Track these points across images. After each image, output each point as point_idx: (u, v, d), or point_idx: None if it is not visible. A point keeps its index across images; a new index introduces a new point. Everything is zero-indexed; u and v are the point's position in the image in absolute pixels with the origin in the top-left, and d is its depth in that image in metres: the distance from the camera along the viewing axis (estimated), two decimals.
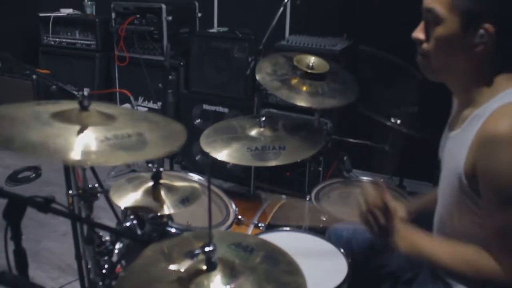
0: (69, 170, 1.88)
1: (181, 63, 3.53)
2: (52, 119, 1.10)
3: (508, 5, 1.16)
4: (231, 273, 1.12)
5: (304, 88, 2.08)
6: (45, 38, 4.19)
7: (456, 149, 1.24)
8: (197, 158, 3.48)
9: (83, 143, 1.03)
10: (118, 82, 3.87)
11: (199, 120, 3.47)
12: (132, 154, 1.04)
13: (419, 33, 1.26)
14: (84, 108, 1.13)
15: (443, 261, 1.24)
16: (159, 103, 3.76)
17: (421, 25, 1.26)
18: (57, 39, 4.16)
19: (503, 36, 1.16)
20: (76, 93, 1.94)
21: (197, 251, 1.06)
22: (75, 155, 1.00)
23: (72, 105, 1.20)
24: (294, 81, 2.12)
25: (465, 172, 1.19)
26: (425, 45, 1.25)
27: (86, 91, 1.14)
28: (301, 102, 2.05)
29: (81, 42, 4.07)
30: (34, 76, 4.33)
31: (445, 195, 1.32)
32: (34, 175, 3.64)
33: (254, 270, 1.15)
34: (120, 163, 1.05)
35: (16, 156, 4.02)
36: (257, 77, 2.15)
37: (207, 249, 1.06)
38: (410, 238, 1.29)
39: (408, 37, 1.31)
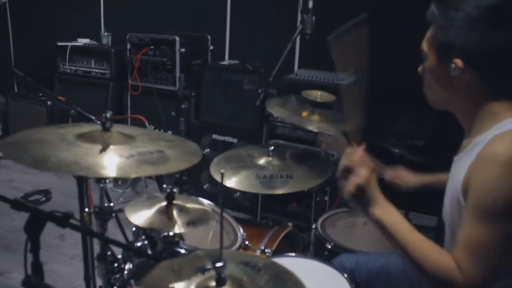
0: (83, 190, 1.94)
1: (193, 94, 3.63)
2: (77, 140, 1.18)
3: (473, 40, 1.23)
4: None
5: (315, 117, 2.17)
6: (61, 66, 4.32)
7: (457, 170, 1.30)
8: (205, 187, 3.54)
9: (112, 159, 1.10)
10: (130, 110, 3.97)
11: (208, 149, 3.54)
12: (156, 168, 1.11)
13: (420, 68, 1.40)
14: (106, 129, 1.20)
15: (409, 248, 1.24)
16: (170, 132, 3.84)
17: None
18: (73, 67, 4.29)
19: (475, 68, 1.25)
20: (93, 118, 2.03)
21: (208, 266, 1.11)
22: (107, 170, 1.07)
23: (92, 127, 1.29)
24: (305, 113, 2.21)
25: (462, 190, 1.25)
26: (425, 78, 1.39)
27: (108, 114, 1.21)
28: (312, 127, 2.13)
29: (96, 70, 4.20)
30: (49, 103, 4.46)
31: (448, 215, 1.36)
32: (44, 198, 3.70)
33: None
34: (146, 175, 1.13)
35: (26, 179, 4.10)
36: (269, 109, 2.24)
37: (217, 264, 1.10)
38: (386, 211, 1.29)
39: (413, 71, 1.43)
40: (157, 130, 3.79)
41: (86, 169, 1.06)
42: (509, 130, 1.21)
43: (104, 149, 1.11)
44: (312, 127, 2.15)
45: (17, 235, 3.18)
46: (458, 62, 1.25)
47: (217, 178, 1.92)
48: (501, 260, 1.18)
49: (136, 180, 3.95)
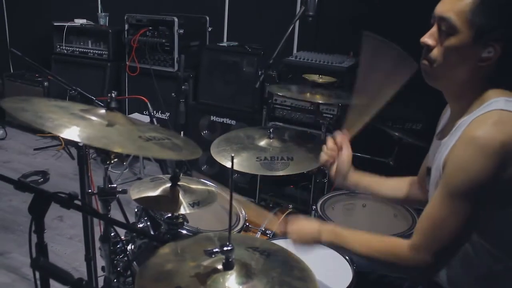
0: (84, 171, 1.94)
1: (191, 75, 3.61)
2: (84, 114, 1.17)
3: None
4: (246, 274, 1.17)
5: (317, 96, 2.18)
6: (58, 46, 4.28)
7: (441, 154, 1.30)
8: (203, 169, 3.54)
9: (134, 139, 1.11)
10: (128, 91, 3.95)
11: (206, 131, 3.54)
12: (176, 153, 1.13)
13: (428, 39, 1.28)
14: (111, 109, 1.19)
15: (364, 250, 1.34)
16: (168, 113, 3.83)
17: (431, 32, 1.28)
18: (70, 48, 4.25)
19: (506, 56, 1.22)
20: (93, 98, 2.02)
21: (216, 250, 1.11)
22: (135, 148, 1.08)
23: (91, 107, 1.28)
24: (308, 95, 2.21)
25: (442, 168, 1.26)
26: (433, 52, 1.28)
27: (114, 93, 1.20)
28: (315, 100, 2.17)
29: (93, 51, 4.16)
30: (45, 83, 4.42)
31: (432, 193, 1.35)
32: (42, 179, 3.69)
33: (268, 274, 1.20)
34: (171, 158, 1.16)
35: (24, 160, 4.09)
36: (271, 92, 2.25)
37: (225, 248, 1.11)
38: (332, 232, 1.39)
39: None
40: (154, 112, 3.78)
41: (113, 144, 1.06)
42: (491, 110, 1.20)
43: (111, 125, 1.10)
44: (317, 101, 2.19)
45: (15, 216, 3.19)
46: (497, 46, 1.20)
47: (218, 159, 1.92)
48: (456, 242, 1.21)
49: (134, 161, 3.95)
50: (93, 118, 1.16)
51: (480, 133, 1.15)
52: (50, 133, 4.38)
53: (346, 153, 1.66)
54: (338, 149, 1.66)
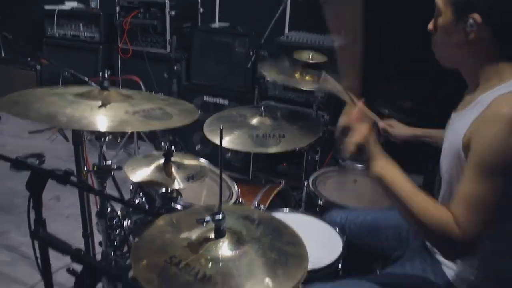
0: (79, 150, 1.98)
1: (183, 56, 3.63)
2: (77, 98, 1.21)
3: None
4: (238, 241, 1.22)
5: (306, 78, 2.20)
6: (49, 30, 4.26)
7: (458, 126, 1.33)
8: (197, 148, 3.58)
9: (118, 115, 1.14)
10: (120, 73, 3.96)
11: (199, 111, 3.57)
12: (163, 123, 1.16)
13: (430, 25, 1.40)
14: (104, 88, 1.23)
15: (408, 203, 1.26)
16: (161, 94, 3.85)
17: (434, 18, 1.39)
18: (61, 31, 4.24)
19: (492, 25, 1.26)
20: (87, 79, 2.05)
21: (207, 218, 1.16)
22: (117, 125, 1.11)
23: (87, 89, 1.32)
24: (297, 74, 2.24)
25: (463, 147, 1.29)
26: (434, 36, 1.39)
27: (106, 73, 1.24)
28: (304, 87, 2.17)
29: (85, 34, 4.16)
30: (38, 67, 4.42)
31: (445, 170, 1.41)
32: (37, 162, 3.71)
33: (259, 240, 1.25)
34: (156, 128, 1.18)
35: (19, 143, 4.12)
36: (262, 72, 2.27)
37: (217, 217, 1.16)
38: (386, 168, 1.32)
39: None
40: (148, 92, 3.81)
41: (100, 125, 1.10)
42: None
43: (104, 105, 1.14)
44: (306, 87, 2.18)
45: (12, 197, 3.23)
46: (476, 17, 1.25)
47: (211, 138, 1.96)
48: (495, 215, 1.21)
49: (129, 141, 3.98)
50: (87, 99, 1.19)
51: (505, 111, 1.20)
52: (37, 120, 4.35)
53: (395, 129, 1.93)
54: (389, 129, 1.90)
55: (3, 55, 5.16)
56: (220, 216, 1.17)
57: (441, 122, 1.59)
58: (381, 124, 1.97)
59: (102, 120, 1.15)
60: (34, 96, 1.27)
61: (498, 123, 1.19)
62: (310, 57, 2.28)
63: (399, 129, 1.96)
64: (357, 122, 1.35)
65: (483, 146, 1.22)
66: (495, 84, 1.29)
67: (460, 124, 1.33)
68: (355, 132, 1.33)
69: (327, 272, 1.61)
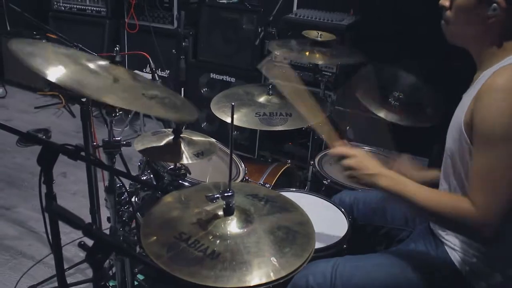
0: (87, 127, 1.98)
1: (191, 33, 3.60)
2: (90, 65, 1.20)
3: None
4: (246, 219, 1.24)
5: (317, 56, 2.19)
6: (55, 3, 4.23)
7: (463, 104, 1.35)
8: (203, 126, 3.58)
9: (140, 97, 1.14)
10: (127, 49, 3.94)
11: (205, 88, 3.56)
12: (176, 113, 1.16)
13: (444, 1, 1.38)
14: (115, 63, 1.23)
15: (424, 204, 1.28)
16: (167, 71, 3.84)
17: None
18: (68, 5, 4.20)
19: None
20: (95, 54, 2.03)
21: (217, 195, 1.17)
22: (139, 105, 1.10)
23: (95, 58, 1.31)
24: (307, 53, 2.23)
25: (465, 123, 1.30)
26: (448, 12, 1.37)
27: (117, 47, 1.23)
28: (313, 60, 2.15)
29: (92, 8, 4.12)
30: (43, 41, 4.40)
31: (449, 144, 1.42)
32: (44, 137, 3.74)
33: (267, 218, 1.28)
34: (169, 117, 1.18)
35: (25, 118, 4.13)
36: (271, 51, 2.25)
37: (226, 194, 1.17)
38: (390, 179, 1.35)
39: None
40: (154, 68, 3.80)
41: (120, 100, 1.09)
42: (510, 64, 1.25)
43: (116, 80, 1.13)
44: (312, 60, 2.19)
45: (19, 172, 3.26)
46: (501, 2, 1.26)
47: (219, 115, 1.97)
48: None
49: (134, 119, 3.99)
50: (100, 72, 1.19)
51: (502, 80, 1.21)
52: (51, 91, 4.32)
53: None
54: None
55: (8, 28, 5.13)
56: (229, 194, 1.18)
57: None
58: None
59: (127, 97, 1.14)
60: (49, 53, 1.24)
61: (493, 93, 1.21)
62: (319, 35, 2.26)
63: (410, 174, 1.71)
64: (345, 149, 1.41)
65: (484, 118, 1.22)
66: (498, 60, 1.30)
67: (464, 101, 1.35)
68: (347, 157, 1.39)
69: (333, 252, 1.62)
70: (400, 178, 1.36)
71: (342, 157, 1.41)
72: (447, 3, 1.37)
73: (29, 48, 1.19)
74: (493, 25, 1.29)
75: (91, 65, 1.21)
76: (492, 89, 1.22)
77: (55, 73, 1.11)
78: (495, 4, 1.26)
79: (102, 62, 1.25)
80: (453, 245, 1.45)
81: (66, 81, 1.09)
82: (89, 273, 2.34)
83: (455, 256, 1.43)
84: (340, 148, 1.44)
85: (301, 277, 1.47)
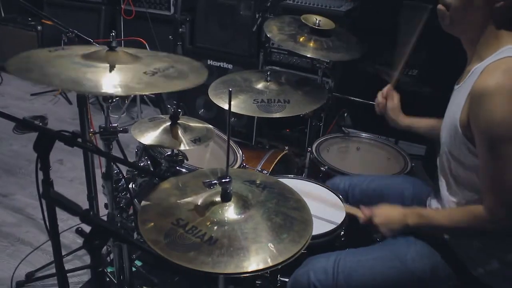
0: (84, 114, 1.97)
1: (187, 19, 3.56)
2: (87, 61, 1.19)
3: None
4: (244, 205, 1.24)
5: (311, 44, 2.16)
6: None
7: (457, 100, 1.35)
8: (200, 113, 3.57)
9: (139, 77, 1.13)
10: (123, 35, 3.90)
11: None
12: (184, 82, 1.15)
13: None
14: (112, 48, 1.21)
15: (451, 228, 1.40)
16: None
17: None
18: None
19: None
20: (91, 40, 2.02)
21: (214, 181, 1.17)
22: (143, 87, 1.10)
23: (90, 49, 1.29)
24: (302, 38, 2.20)
25: (460, 121, 1.30)
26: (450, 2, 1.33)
27: (113, 32, 1.22)
28: (308, 53, 2.13)
29: None
30: (39, 27, 4.36)
31: (445, 140, 1.43)
32: (40, 124, 3.72)
33: (264, 204, 1.27)
34: (181, 88, 1.17)
35: (21, 106, 4.11)
36: (266, 32, 2.23)
37: (224, 180, 1.17)
38: (415, 220, 1.45)
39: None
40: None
41: (120, 87, 1.08)
42: (503, 58, 1.25)
43: (112, 68, 1.13)
44: (308, 54, 2.14)
45: (16, 160, 3.25)
46: None
47: (216, 101, 1.96)
48: None
49: (131, 105, 3.97)
50: (97, 63, 1.17)
51: (491, 84, 1.21)
52: (43, 84, 4.28)
53: (392, 102, 1.87)
54: (386, 100, 1.89)
55: (2, 14, 5.08)
56: (227, 180, 1.18)
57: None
58: (388, 87, 1.92)
59: (126, 82, 1.14)
60: (45, 60, 1.24)
61: (486, 98, 1.21)
62: (318, 23, 2.23)
63: (395, 109, 1.89)
64: (369, 217, 1.53)
65: (487, 125, 1.23)
66: (491, 52, 1.29)
67: (458, 98, 1.35)
68: (373, 221, 1.51)
69: (330, 238, 1.63)
70: (420, 211, 1.49)
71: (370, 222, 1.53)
72: None
73: (24, 64, 1.19)
74: (499, 10, 1.28)
75: (87, 60, 1.20)
76: (487, 93, 1.22)
77: (54, 80, 1.10)
78: None
79: (99, 50, 1.24)
80: None
81: (65, 85, 1.09)
82: (87, 259, 2.35)
83: (450, 240, 1.45)
84: (363, 217, 1.56)
85: (302, 274, 1.48)
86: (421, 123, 1.83)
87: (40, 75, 1.13)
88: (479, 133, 1.26)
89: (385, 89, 1.92)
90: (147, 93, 1.01)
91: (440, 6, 1.37)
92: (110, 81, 1.14)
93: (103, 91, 1.08)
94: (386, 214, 1.50)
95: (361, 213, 1.57)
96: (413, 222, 1.44)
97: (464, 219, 1.35)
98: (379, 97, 1.92)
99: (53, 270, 2.25)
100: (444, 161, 1.46)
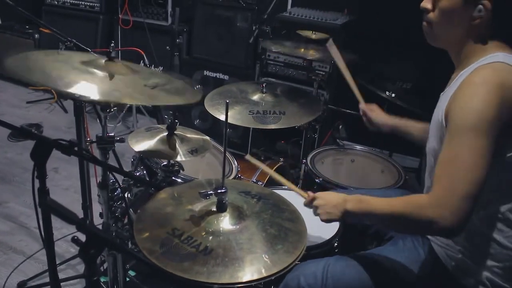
0: (81, 123, 1.98)
1: (185, 29, 3.60)
2: (85, 67, 1.20)
3: None
4: (239, 216, 1.25)
5: (310, 52, 2.20)
6: None
7: (442, 103, 1.37)
8: (195, 123, 3.59)
9: (140, 89, 1.14)
10: (120, 45, 3.92)
11: (199, 85, 3.56)
12: (181, 97, 1.16)
13: (427, 3, 1.39)
14: (111, 59, 1.23)
15: (385, 209, 1.32)
16: (161, 68, 3.82)
17: None
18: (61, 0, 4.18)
19: (498, 10, 1.28)
20: (89, 50, 2.03)
21: (210, 192, 1.18)
22: (145, 98, 1.12)
23: (88, 58, 1.31)
24: (301, 50, 2.24)
25: (444, 117, 1.32)
26: (430, 14, 1.38)
27: (112, 43, 1.24)
28: (308, 56, 2.23)
29: (85, 3, 4.10)
30: (36, 35, 4.37)
31: (431, 143, 1.44)
32: (35, 132, 3.71)
33: (259, 215, 1.29)
34: (181, 103, 1.19)
35: (17, 113, 4.11)
36: (264, 46, 2.26)
37: (219, 190, 1.18)
38: (356, 199, 1.40)
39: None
40: (148, 65, 3.79)
41: (125, 96, 1.09)
42: (490, 63, 1.28)
43: (111, 77, 1.14)
44: (309, 57, 2.23)
45: (11, 167, 3.24)
46: (487, 4, 1.27)
47: (212, 112, 1.97)
48: (474, 183, 1.18)
49: (127, 115, 3.98)
50: (97, 71, 1.19)
51: (479, 77, 1.24)
52: (43, 86, 4.28)
53: (374, 114, 1.97)
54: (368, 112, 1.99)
55: (0, 22, 5.09)
56: (223, 190, 1.19)
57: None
58: (362, 105, 2.02)
59: (131, 94, 1.15)
60: (45, 64, 1.24)
61: (469, 86, 1.24)
62: (313, 33, 2.28)
63: (379, 116, 1.97)
64: (311, 195, 1.48)
65: (457, 109, 1.25)
66: (476, 59, 1.32)
67: (442, 102, 1.37)
68: (315, 203, 1.45)
69: (324, 250, 1.63)
70: (363, 197, 1.41)
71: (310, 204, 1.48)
72: (429, 5, 1.38)
73: (23, 62, 1.19)
74: (477, 26, 1.32)
75: (87, 67, 1.21)
76: (469, 84, 1.25)
77: (59, 84, 1.11)
78: (480, 6, 1.28)
79: (97, 59, 1.25)
80: (438, 241, 1.47)
81: (71, 90, 1.10)
82: (80, 268, 2.34)
83: (441, 252, 1.45)
84: (306, 198, 1.50)
85: (292, 278, 1.49)
86: (411, 127, 1.87)
87: (43, 77, 1.13)
88: (450, 120, 1.26)
89: (360, 107, 2.03)
90: (149, 104, 1.02)
91: (424, 23, 1.42)
92: (115, 89, 1.15)
93: (112, 99, 1.10)
94: (327, 197, 1.45)
95: (306, 195, 1.52)
96: (352, 207, 1.38)
97: (403, 205, 1.29)
98: (363, 117, 2.02)
99: (46, 280, 2.24)
100: (431, 163, 1.46)
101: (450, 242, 1.42)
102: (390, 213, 1.31)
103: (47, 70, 1.15)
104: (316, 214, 1.45)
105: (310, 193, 1.51)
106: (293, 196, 1.82)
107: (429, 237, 1.51)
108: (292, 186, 1.60)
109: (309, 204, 1.49)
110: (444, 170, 1.23)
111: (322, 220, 1.43)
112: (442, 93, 1.48)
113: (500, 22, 1.30)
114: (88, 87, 1.11)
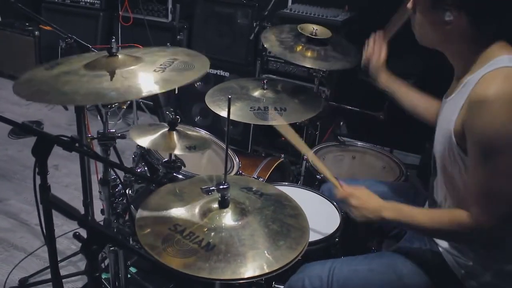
0: (81, 119, 1.97)
1: (185, 26, 3.59)
2: (92, 71, 1.20)
3: None
4: (241, 212, 1.25)
5: (308, 54, 2.18)
6: None
7: (449, 112, 1.35)
8: (196, 120, 3.58)
9: (148, 77, 1.15)
10: (121, 41, 3.91)
11: (200, 83, 3.56)
12: (193, 71, 1.21)
13: (409, 4, 1.39)
14: (112, 54, 1.22)
15: (429, 227, 1.36)
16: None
17: None
18: None
19: (467, 13, 1.26)
20: (90, 46, 2.02)
21: (212, 188, 1.18)
22: (160, 85, 1.13)
23: (90, 57, 1.30)
24: (299, 48, 2.22)
25: (455, 132, 1.30)
26: (413, 16, 1.39)
27: (113, 38, 1.23)
28: (305, 63, 2.16)
29: (85, 0, 4.09)
30: (36, 33, 4.36)
31: (439, 154, 1.43)
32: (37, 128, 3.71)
33: (261, 211, 1.28)
34: (192, 79, 1.20)
35: (17, 111, 4.10)
36: (263, 42, 2.24)
37: (221, 186, 1.18)
38: (394, 208, 1.43)
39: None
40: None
41: (131, 91, 1.09)
42: (498, 68, 1.25)
43: (112, 74, 1.13)
44: (306, 64, 2.17)
45: (11, 165, 3.24)
46: (454, 11, 1.26)
47: (213, 109, 1.97)
48: (510, 200, 1.23)
49: (127, 112, 3.98)
50: (104, 72, 1.18)
51: (491, 91, 1.21)
52: (68, 104, 4.27)
53: (377, 56, 1.84)
54: (374, 48, 1.84)
55: (0, 19, 5.08)
56: (225, 186, 1.18)
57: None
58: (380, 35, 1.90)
59: (146, 83, 1.15)
60: (55, 79, 1.23)
61: (486, 106, 1.20)
62: (314, 32, 2.25)
63: (378, 68, 1.87)
64: (348, 193, 1.49)
65: (480, 132, 1.23)
66: (481, 64, 1.30)
67: (450, 110, 1.35)
68: (350, 200, 1.47)
69: (326, 245, 1.63)
70: (400, 206, 1.43)
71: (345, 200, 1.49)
72: (410, 7, 1.39)
73: (33, 87, 1.19)
74: (454, 29, 1.29)
75: (93, 71, 1.21)
76: (487, 101, 1.21)
77: (77, 99, 1.12)
78: (447, 12, 1.27)
79: (98, 58, 1.25)
80: (445, 245, 1.46)
81: (85, 101, 1.10)
82: (81, 265, 2.34)
83: (448, 257, 1.44)
84: (341, 192, 1.51)
85: (297, 280, 1.48)
86: (405, 94, 1.80)
87: (56, 96, 1.14)
88: (473, 141, 1.25)
89: (378, 34, 1.87)
90: (166, 89, 1.02)
91: (412, 26, 1.42)
92: (128, 85, 1.14)
93: (128, 97, 1.09)
94: (364, 198, 1.46)
95: (340, 187, 1.53)
96: (390, 216, 1.41)
97: (446, 223, 1.33)
98: (370, 42, 1.87)
99: (47, 276, 2.24)
100: (439, 175, 1.46)
101: (462, 250, 1.41)
102: (430, 227, 1.36)
103: (59, 87, 1.15)
104: (349, 211, 1.49)
105: (345, 187, 1.52)
106: (295, 192, 1.82)
107: (437, 241, 1.49)
108: (328, 175, 1.62)
109: (343, 199, 1.50)
110: (481, 194, 1.26)
111: (356, 220, 1.47)
112: (446, 98, 1.45)
113: (481, 23, 1.28)
114: (106, 92, 1.11)
